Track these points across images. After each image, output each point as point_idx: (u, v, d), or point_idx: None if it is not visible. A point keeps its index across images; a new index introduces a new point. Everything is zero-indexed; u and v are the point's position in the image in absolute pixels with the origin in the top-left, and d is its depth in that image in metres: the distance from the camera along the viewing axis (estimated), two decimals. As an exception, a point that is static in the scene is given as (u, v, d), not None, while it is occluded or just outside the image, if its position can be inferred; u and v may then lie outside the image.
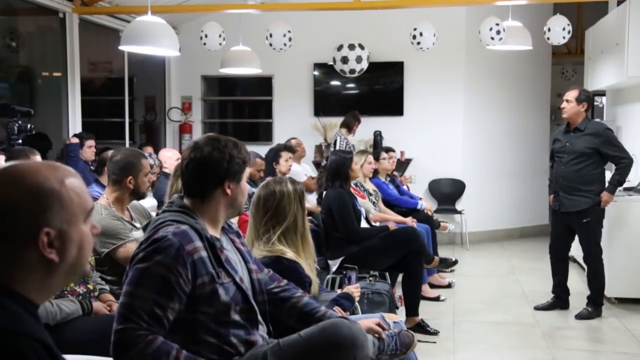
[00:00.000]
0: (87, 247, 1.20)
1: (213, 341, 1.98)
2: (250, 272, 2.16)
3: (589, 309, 4.86)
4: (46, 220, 1.11)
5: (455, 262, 5.52)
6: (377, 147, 7.25)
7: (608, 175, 4.92)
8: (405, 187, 6.61)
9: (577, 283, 5.84)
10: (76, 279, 1.29)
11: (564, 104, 4.83)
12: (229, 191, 2.06)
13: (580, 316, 4.83)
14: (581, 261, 6.26)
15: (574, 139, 4.80)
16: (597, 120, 5.06)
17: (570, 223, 4.88)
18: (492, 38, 5.64)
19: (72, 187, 1.17)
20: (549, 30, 5.78)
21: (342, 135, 6.91)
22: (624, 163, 4.66)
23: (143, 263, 1.88)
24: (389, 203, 5.87)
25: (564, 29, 5.75)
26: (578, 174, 4.77)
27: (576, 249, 6.40)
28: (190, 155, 2.05)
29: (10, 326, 1.06)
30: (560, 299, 5.09)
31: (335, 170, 4.56)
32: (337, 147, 6.70)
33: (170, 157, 5.44)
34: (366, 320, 2.34)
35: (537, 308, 5.10)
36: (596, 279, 4.88)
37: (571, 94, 4.80)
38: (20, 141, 4.77)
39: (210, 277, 1.95)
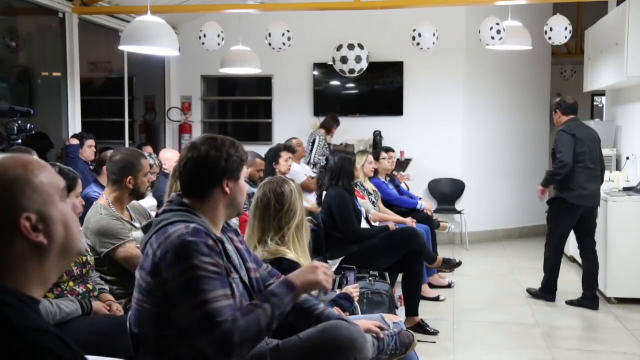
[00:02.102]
0: (73, 225, 1.19)
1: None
2: (249, 271, 2.14)
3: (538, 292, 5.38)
4: (22, 207, 1.11)
5: (459, 264, 5.33)
6: (377, 147, 7.25)
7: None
8: (404, 187, 6.60)
9: (577, 283, 5.84)
10: (73, 259, 1.28)
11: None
12: (227, 190, 2.04)
13: (529, 292, 5.41)
14: (580, 260, 6.27)
15: None
16: (577, 122, 5.24)
17: None
18: (493, 37, 5.65)
19: (38, 169, 1.16)
20: (551, 29, 5.77)
21: (320, 136, 7.07)
22: (556, 163, 5.02)
23: (188, 273, 1.84)
24: (389, 203, 5.87)
25: (566, 28, 5.76)
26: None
27: (575, 247, 6.41)
28: (187, 155, 2.04)
29: (28, 323, 1.06)
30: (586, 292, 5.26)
31: (340, 170, 4.56)
32: (316, 147, 7.07)
33: (170, 159, 5.43)
34: (365, 321, 2.34)
35: (568, 303, 5.27)
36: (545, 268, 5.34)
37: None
38: (20, 141, 4.76)
39: (226, 272, 1.95)
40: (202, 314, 1.81)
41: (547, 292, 5.34)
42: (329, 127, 7.29)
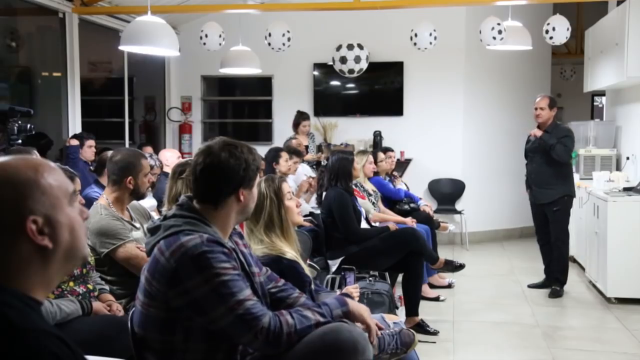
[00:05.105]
0: (79, 230, 1.19)
1: (231, 348, 1.98)
2: (253, 275, 2.13)
3: (557, 288, 5.47)
4: (29, 209, 1.11)
5: (462, 267, 5.18)
6: (377, 147, 7.25)
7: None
8: (404, 187, 6.58)
9: (577, 283, 5.85)
10: (77, 264, 1.28)
11: (538, 111, 5.48)
12: (242, 198, 2.03)
13: (552, 294, 5.43)
14: (581, 261, 6.29)
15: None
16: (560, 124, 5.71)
17: (545, 212, 5.58)
18: (494, 37, 5.65)
19: (48, 172, 1.16)
20: (553, 29, 5.77)
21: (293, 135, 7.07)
22: (560, 149, 5.32)
23: (213, 280, 1.85)
24: (390, 199, 5.86)
25: (567, 29, 5.76)
26: (547, 170, 5.46)
27: (575, 247, 6.42)
28: (205, 160, 1.99)
29: (28, 325, 1.06)
30: (550, 279, 5.63)
31: (338, 170, 4.56)
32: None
33: (170, 157, 5.43)
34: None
35: (530, 286, 5.71)
36: (562, 260, 5.51)
37: (543, 102, 5.46)
38: (20, 141, 4.76)
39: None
40: (241, 313, 1.86)
41: (562, 285, 5.52)
42: (296, 124, 7.30)
